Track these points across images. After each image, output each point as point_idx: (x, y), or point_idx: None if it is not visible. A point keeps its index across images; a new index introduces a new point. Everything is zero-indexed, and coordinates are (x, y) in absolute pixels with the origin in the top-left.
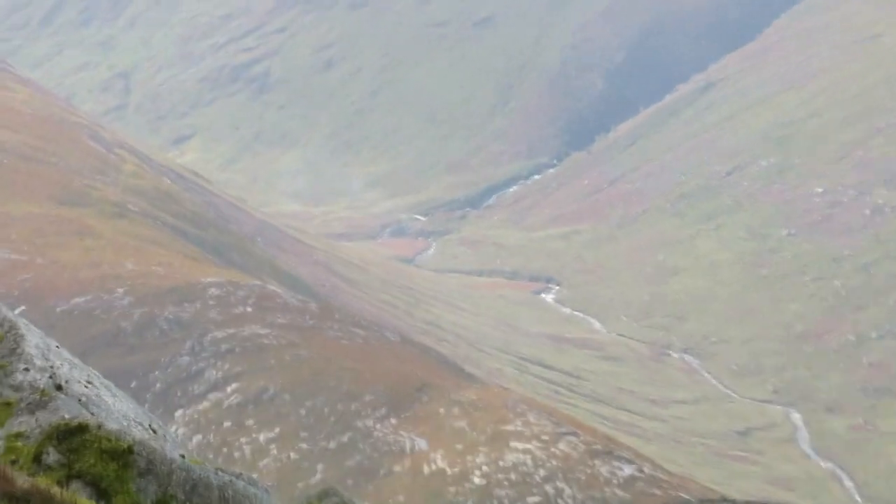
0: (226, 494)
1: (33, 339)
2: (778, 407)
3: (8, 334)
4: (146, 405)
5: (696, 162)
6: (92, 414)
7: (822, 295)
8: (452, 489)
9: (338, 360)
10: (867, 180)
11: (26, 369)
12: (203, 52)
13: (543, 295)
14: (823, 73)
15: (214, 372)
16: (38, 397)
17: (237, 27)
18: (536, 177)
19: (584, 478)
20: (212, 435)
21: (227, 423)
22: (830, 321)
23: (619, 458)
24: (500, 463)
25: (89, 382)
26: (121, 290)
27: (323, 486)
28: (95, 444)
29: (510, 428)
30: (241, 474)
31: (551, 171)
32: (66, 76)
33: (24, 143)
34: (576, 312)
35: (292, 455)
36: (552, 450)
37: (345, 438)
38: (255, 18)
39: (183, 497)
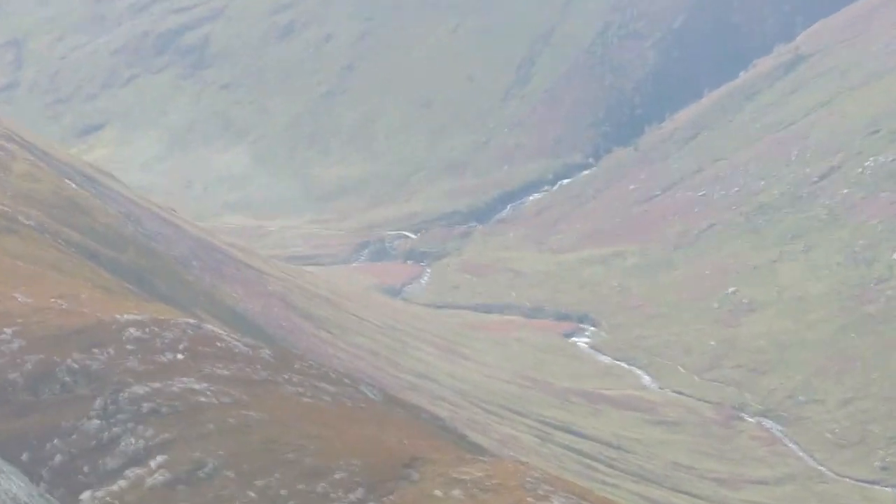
0: None
1: None
2: (888, 489)
3: None
4: (41, 484)
5: (780, 162)
6: None
7: None
8: None
9: (298, 426)
10: None
11: None
12: (119, 15)
13: (575, 339)
14: None
15: (133, 440)
16: None
17: None
18: (565, 181)
19: None
20: None
21: None
22: None
23: None
24: None
25: None
26: (9, 332)
27: None
28: None
29: None
30: None
31: (586, 173)
32: None
33: None
34: (618, 362)
35: None
36: None
37: None
38: None
39: None
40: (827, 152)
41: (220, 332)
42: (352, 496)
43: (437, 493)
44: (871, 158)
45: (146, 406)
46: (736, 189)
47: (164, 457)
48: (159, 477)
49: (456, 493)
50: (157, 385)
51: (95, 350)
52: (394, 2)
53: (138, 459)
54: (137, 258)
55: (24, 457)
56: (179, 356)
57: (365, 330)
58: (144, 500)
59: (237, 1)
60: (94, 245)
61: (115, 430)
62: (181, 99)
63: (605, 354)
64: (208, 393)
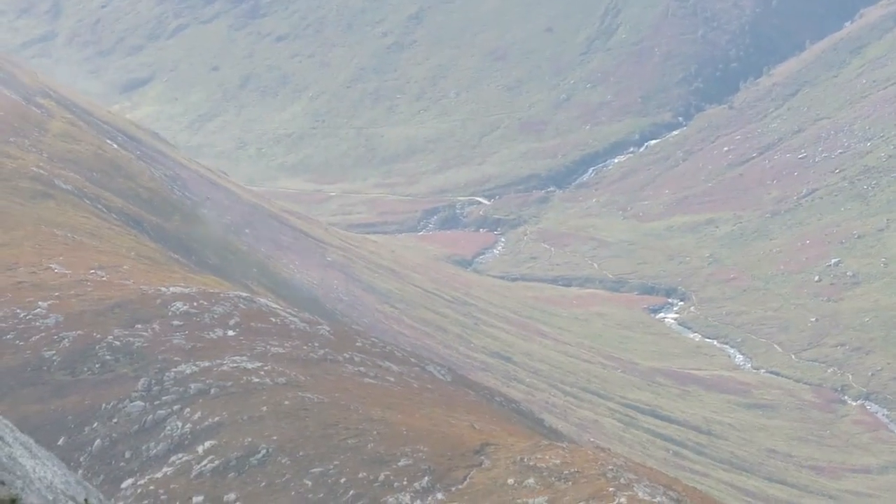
0: None
1: None
2: None
3: None
4: (80, 471)
5: (889, 122)
6: (2, 484)
7: None
8: None
9: (360, 409)
10: None
11: None
12: None
13: (662, 314)
14: None
15: (180, 423)
16: None
17: None
18: (653, 142)
19: None
20: None
21: (197, 499)
22: None
23: None
24: None
25: None
26: (44, 305)
27: None
28: None
29: None
30: None
31: (675, 133)
32: None
33: None
34: (708, 340)
35: None
36: None
37: None
38: None
39: None
40: None
41: (275, 306)
42: (417, 485)
43: (510, 481)
44: None
45: (193, 387)
46: (840, 151)
47: (213, 442)
48: (207, 464)
49: (530, 481)
50: (205, 364)
51: (138, 326)
52: None
53: (185, 444)
54: (184, 225)
55: (61, 441)
56: (230, 332)
57: (433, 304)
58: (191, 489)
59: None
60: (138, 211)
61: (159, 412)
62: (234, 52)
63: (694, 332)
64: (261, 373)
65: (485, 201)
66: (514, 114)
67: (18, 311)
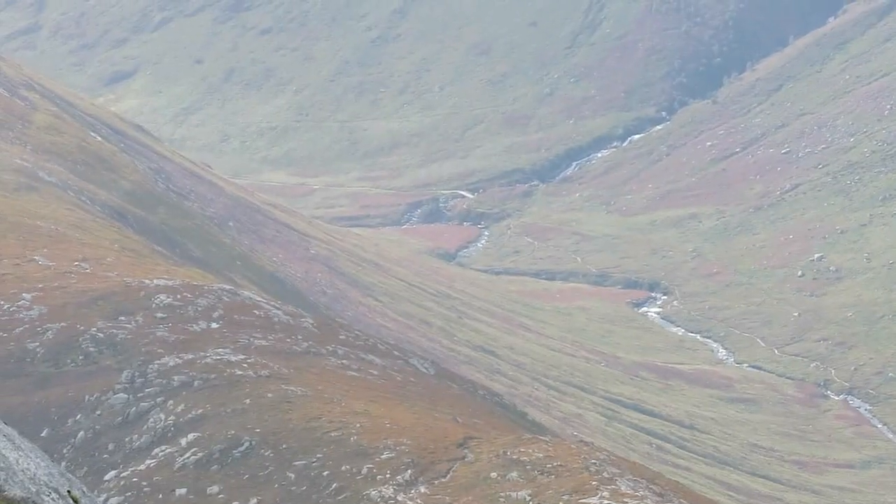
0: None
1: None
2: None
3: None
4: (63, 463)
5: (872, 117)
6: None
7: None
8: None
9: (343, 401)
10: None
11: None
12: None
13: (645, 309)
14: None
15: (163, 416)
16: None
17: None
18: (636, 136)
19: None
20: None
21: (180, 491)
22: None
23: None
24: None
25: None
26: (28, 297)
27: None
28: None
29: (593, 501)
30: None
31: (658, 128)
32: None
33: None
34: (691, 334)
35: None
36: None
37: None
38: None
39: None
40: None
41: (259, 299)
42: (400, 478)
43: (494, 475)
44: None
45: (177, 379)
46: (823, 146)
47: (197, 434)
48: (191, 456)
49: (513, 475)
50: (189, 356)
51: (122, 318)
52: None
53: (168, 437)
54: (168, 218)
55: (45, 433)
56: (214, 325)
57: (417, 298)
58: (174, 481)
59: None
60: (121, 204)
61: (142, 404)
62: (218, 45)
63: (677, 326)
64: (245, 365)
65: (468, 195)
66: (497, 108)
67: (2, 302)
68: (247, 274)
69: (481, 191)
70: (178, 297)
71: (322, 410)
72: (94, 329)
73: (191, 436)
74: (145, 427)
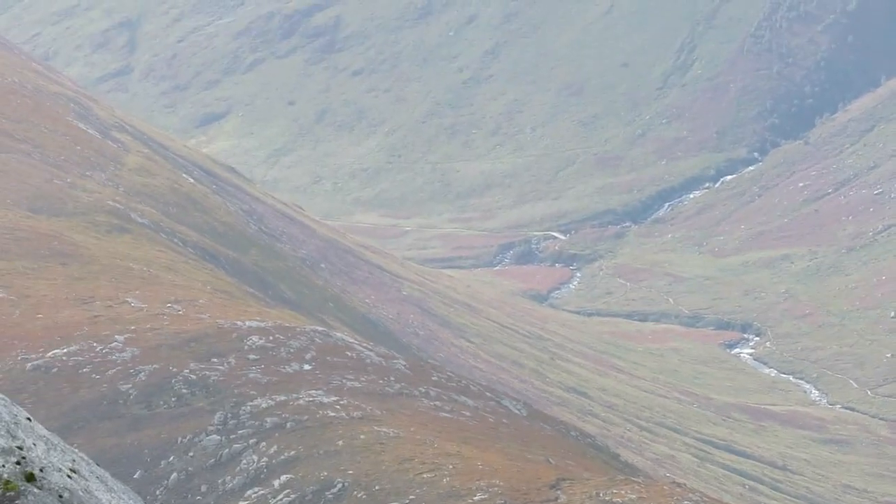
0: None
1: None
2: None
3: None
4: None
5: None
6: None
7: None
8: None
9: (435, 443)
10: None
11: None
12: None
13: (737, 350)
14: None
15: (256, 457)
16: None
17: None
18: (729, 177)
19: None
20: None
21: None
22: None
23: None
24: None
25: (73, 471)
26: (120, 339)
27: None
28: None
29: None
30: None
31: (751, 169)
32: (43, 26)
33: None
34: (784, 375)
35: None
36: None
37: None
38: None
39: None
40: None
41: (351, 340)
42: None
43: None
44: None
45: (269, 421)
46: None
47: (289, 476)
48: (283, 498)
49: None
50: (281, 398)
51: (214, 360)
52: None
53: (261, 478)
54: (260, 259)
55: (137, 474)
56: (306, 367)
57: (508, 339)
58: None
59: None
60: (214, 245)
61: (235, 446)
62: (309, 86)
63: (770, 367)
64: (337, 407)
65: (560, 236)
66: (589, 149)
67: (95, 344)
68: (339, 315)
69: (573, 232)
70: (271, 338)
71: (414, 452)
72: (187, 371)
73: (283, 477)
74: (238, 469)
